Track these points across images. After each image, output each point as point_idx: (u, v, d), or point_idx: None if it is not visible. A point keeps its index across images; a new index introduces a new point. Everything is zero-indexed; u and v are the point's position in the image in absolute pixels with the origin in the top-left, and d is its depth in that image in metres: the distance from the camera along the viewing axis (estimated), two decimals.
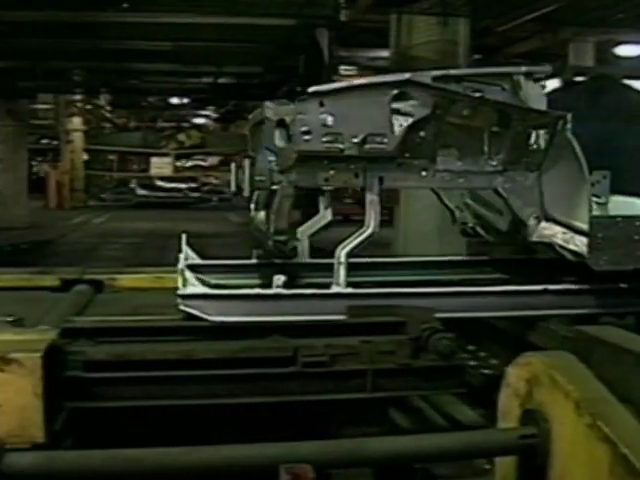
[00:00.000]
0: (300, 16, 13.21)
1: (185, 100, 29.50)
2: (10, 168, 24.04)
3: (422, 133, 4.54)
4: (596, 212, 4.44)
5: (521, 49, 18.37)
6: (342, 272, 4.49)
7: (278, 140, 4.43)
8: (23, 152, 25.46)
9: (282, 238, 4.91)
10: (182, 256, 4.84)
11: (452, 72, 4.67)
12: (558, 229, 4.67)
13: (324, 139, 4.43)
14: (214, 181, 27.67)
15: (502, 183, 4.72)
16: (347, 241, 4.56)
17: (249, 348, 3.81)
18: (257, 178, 4.56)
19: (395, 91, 4.44)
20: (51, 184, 32.73)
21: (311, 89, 4.53)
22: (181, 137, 26.10)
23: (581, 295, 4.70)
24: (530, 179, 4.69)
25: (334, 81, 16.54)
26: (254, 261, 5.25)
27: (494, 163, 4.65)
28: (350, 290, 4.50)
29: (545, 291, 4.64)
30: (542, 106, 4.61)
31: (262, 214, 5.01)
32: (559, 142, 4.55)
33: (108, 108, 36.15)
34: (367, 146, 4.47)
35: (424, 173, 4.66)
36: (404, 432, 4.58)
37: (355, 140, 4.45)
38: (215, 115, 34.20)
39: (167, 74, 21.68)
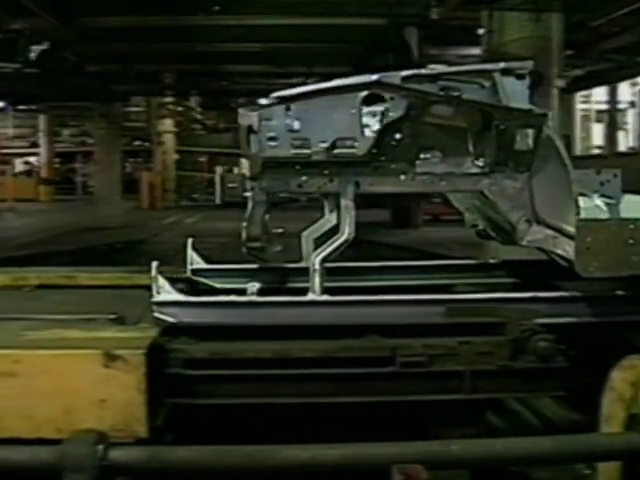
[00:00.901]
0: (390, 15, 13.16)
1: None
2: (104, 170, 24.69)
3: (398, 135, 4.39)
4: (584, 214, 4.20)
5: (614, 44, 17.91)
6: (317, 279, 4.34)
7: (247, 146, 4.35)
8: (117, 154, 26.07)
9: (256, 245, 4.78)
10: (188, 261, 4.87)
11: (423, 71, 4.42)
12: (549, 233, 4.43)
13: (292, 144, 4.34)
14: None
15: (488, 185, 4.49)
16: (322, 248, 4.45)
17: (346, 348, 3.81)
18: (229, 185, 4.55)
19: (364, 93, 4.31)
20: (143, 185, 33.39)
21: (275, 94, 4.44)
22: None
23: (575, 303, 4.35)
24: (519, 181, 4.45)
25: None
26: (257, 265, 5.07)
27: (480, 165, 4.46)
28: (324, 298, 4.33)
29: (534, 298, 4.34)
30: (525, 104, 4.34)
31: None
32: (542, 141, 4.35)
33: (198, 110, 36.73)
34: (336, 151, 4.35)
35: (403, 177, 4.50)
36: (501, 434, 4.51)
37: (323, 145, 4.33)
38: None
39: (257, 75, 21.92)
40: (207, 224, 21.63)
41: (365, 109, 4.30)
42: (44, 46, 16.91)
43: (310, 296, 4.30)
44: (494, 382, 3.88)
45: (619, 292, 4.37)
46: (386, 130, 4.33)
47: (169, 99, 32.61)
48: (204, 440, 3.07)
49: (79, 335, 3.70)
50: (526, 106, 4.31)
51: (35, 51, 17.03)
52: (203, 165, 38.65)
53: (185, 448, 2.96)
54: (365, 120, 4.30)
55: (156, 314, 4.18)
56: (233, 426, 3.95)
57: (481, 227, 5.15)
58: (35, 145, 45.51)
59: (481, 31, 15.03)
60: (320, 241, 4.74)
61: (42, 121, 42.65)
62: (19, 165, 46.26)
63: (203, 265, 5.02)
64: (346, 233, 4.40)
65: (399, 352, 3.79)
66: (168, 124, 35.07)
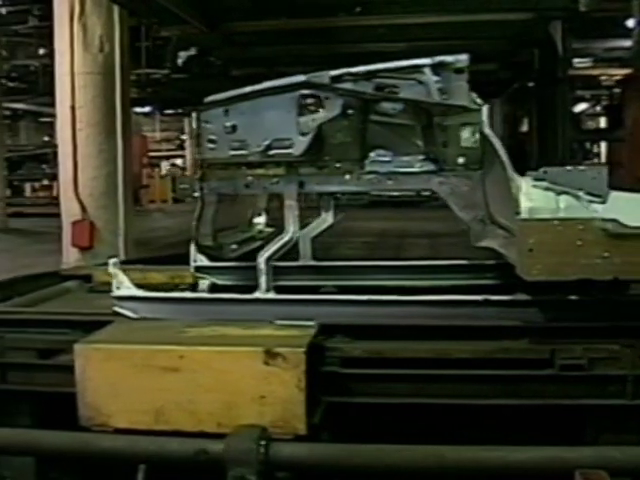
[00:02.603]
0: (537, 9, 12.86)
1: None
2: None
3: (339, 134, 4.33)
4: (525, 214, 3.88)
5: None
6: (263, 278, 4.36)
7: (194, 149, 4.45)
8: None
9: (208, 244, 4.87)
10: (191, 258, 4.89)
11: (352, 70, 4.24)
12: (501, 233, 4.20)
13: (230, 146, 4.40)
14: None
15: (438, 184, 4.32)
16: (267, 247, 4.45)
17: (504, 349, 3.75)
18: (181, 187, 4.56)
19: (297, 94, 4.27)
20: None
21: (211, 97, 4.49)
22: None
23: (529, 307, 4.12)
24: (471, 179, 4.24)
25: (569, 76, 16.04)
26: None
27: (429, 163, 4.31)
28: (270, 296, 4.34)
29: (486, 302, 4.14)
30: (465, 99, 4.11)
31: (261, 218, 4.96)
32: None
33: None
34: (273, 151, 4.35)
35: (348, 176, 4.44)
36: None
37: (260, 146, 4.35)
38: None
39: None
40: (350, 223, 21.69)
41: (300, 109, 4.31)
42: (191, 52, 17.45)
43: (257, 294, 4.37)
44: None
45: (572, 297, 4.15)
46: (325, 130, 4.34)
47: None
48: (360, 439, 3.09)
49: (239, 332, 3.79)
50: (462, 102, 4.13)
51: (182, 57, 17.60)
52: None
53: (346, 446, 2.98)
54: (301, 120, 4.31)
55: (115, 308, 4.38)
56: (392, 425, 3.95)
57: None
58: (181, 147, 46.96)
59: (631, 22, 14.51)
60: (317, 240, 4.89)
61: (187, 124, 44.00)
62: (166, 167, 47.82)
63: (206, 262, 5.02)
64: (290, 232, 4.47)
65: (558, 355, 3.69)
66: None
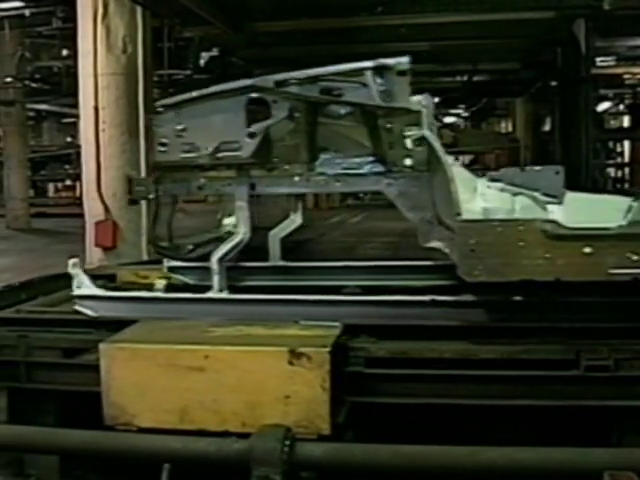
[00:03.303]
0: (560, 8, 12.79)
1: (436, 99, 29.62)
2: None
3: (288, 137, 4.42)
4: (469, 215, 3.95)
5: None
6: (216, 278, 4.47)
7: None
8: None
9: (164, 244, 4.93)
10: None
11: (294, 74, 4.33)
12: (447, 234, 4.20)
13: (181, 149, 4.47)
14: None
15: (386, 186, 4.35)
16: (219, 248, 4.53)
17: (529, 350, 3.72)
18: (137, 188, 4.64)
19: (245, 97, 4.35)
20: None
21: (162, 101, 4.59)
22: None
23: (475, 308, 4.16)
24: (418, 181, 4.26)
25: (592, 75, 15.93)
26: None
27: (377, 164, 4.35)
28: (223, 295, 4.45)
29: (432, 302, 4.18)
30: (407, 101, 4.15)
31: (231, 219, 5.02)
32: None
33: None
34: (221, 154, 4.42)
35: (297, 178, 4.51)
36: None
37: (209, 149, 4.42)
38: (465, 114, 34.06)
39: (421, 74, 21.80)
40: (371, 224, 21.73)
41: (248, 113, 4.38)
42: (213, 52, 17.48)
43: (210, 293, 4.48)
44: None
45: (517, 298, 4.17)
46: (272, 132, 4.42)
47: None
48: (384, 439, 3.08)
49: (264, 332, 3.79)
50: (405, 104, 4.16)
51: (204, 58, 17.63)
52: None
53: (370, 446, 2.97)
54: (248, 123, 4.38)
55: (76, 307, 4.49)
56: (416, 425, 3.94)
57: None
58: None
59: None
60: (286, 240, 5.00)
61: None
62: None
63: (179, 263, 5.13)
64: (241, 233, 4.58)
65: (584, 355, 3.67)
66: None
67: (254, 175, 4.62)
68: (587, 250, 3.78)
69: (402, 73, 4.17)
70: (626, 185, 25.43)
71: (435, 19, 13.49)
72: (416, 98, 4.30)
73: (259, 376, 3.49)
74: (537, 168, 4.43)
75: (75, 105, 12.14)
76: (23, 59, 20.10)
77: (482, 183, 4.32)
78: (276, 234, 5.06)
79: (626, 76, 21.31)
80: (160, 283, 4.82)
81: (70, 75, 17.67)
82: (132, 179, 4.94)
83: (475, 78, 20.74)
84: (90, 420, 3.59)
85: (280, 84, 4.35)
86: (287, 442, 2.87)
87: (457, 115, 36.03)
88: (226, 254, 4.57)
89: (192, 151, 4.54)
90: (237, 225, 4.65)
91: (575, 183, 15.19)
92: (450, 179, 4.02)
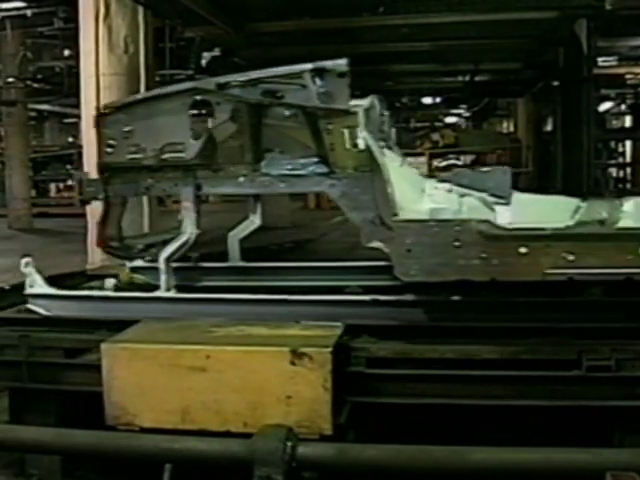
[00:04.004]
0: (562, 8, 12.75)
1: (437, 99, 29.57)
2: None
3: (232, 138, 4.48)
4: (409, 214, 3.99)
5: None
6: (163, 277, 4.53)
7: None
8: None
9: (114, 244, 5.00)
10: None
11: (236, 76, 4.42)
12: (389, 234, 4.14)
13: (127, 150, 4.56)
14: None
15: (329, 186, 4.39)
16: (166, 247, 4.59)
17: (531, 350, 3.72)
18: (87, 189, 4.69)
19: (189, 99, 4.42)
20: None
21: (109, 103, 4.74)
22: (435, 137, 26.16)
23: (416, 307, 4.18)
24: (361, 181, 4.27)
25: (594, 75, 15.91)
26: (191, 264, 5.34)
27: (321, 165, 4.39)
28: (171, 294, 4.50)
29: (375, 302, 4.20)
30: (346, 103, 4.21)
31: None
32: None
33: None
34: (165, 155, 4.48)
35: (242, 179, 4.56)
36: None
37: (154, 150, 4.50)
38: (467, 114, 34.01)
39: (423, 74, 21.78)
40: None
41: (192, 115, 4.46)
42: (215, 52, 17.47)
43: (157, 292, 4.54)
44: None
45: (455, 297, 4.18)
46: (217, 134, 4.49)
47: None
48: (386, 439, 3.08)
49: (265, 333, 3.79)
50: (344, 106, 4.21)
51: (206, 58, 17.62)
52: None
53: (371, 446, 2.96)
54: (193, 125, 4.47)
55: (28, 305, 4.55)
56: (412, 426, 3.94)
57: None
58: None
59: None
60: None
61: None
62: None
63: (142, 263, 5.23)
64: (187, 233, 4.63)
65: (586, 355, 3.67)
66: None
67: (200, 176, 4.67)
68: (523, 250, 3.84)
69: (342, 75, 4.24)
70: (628, 185, 25.39)
71: (437, 19, 13.44)
72: (364, 99, 4.41)
73: (261, 376, 3.50)
74: (485, 169, 4.53)
75: (77, 105, 12.15)
76: (25, 59, 20.09)
77: (430, 184, 4.39)
78: (235, 235, 5.17)
79: (628, 76, 21.27)
80: (110, 282, 4.86)
81: (72, 75, 17.69)
82: (82, 180, 4.97)
83: (477, 78, 20.69)
84: (91, 420, 3.59)
85: (222, 86, 4.44)
86: (289, 442, 2.87)
87: (459, 115, 36.03)
88: (173, 254, 4.64)
89: (138, 152, 4.63)
90: (183, 225, 4.71)
91: (577, 183, 15.20)
92: (386, 180, 4.06)
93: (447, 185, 4.32)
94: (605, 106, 24.86)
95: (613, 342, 3.73)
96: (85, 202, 5.29)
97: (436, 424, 4.00)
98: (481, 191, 4.28)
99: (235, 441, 3.01)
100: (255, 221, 5.14)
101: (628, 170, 26.97)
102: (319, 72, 4.26)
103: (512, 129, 30.66)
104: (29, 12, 17.57)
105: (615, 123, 30.07)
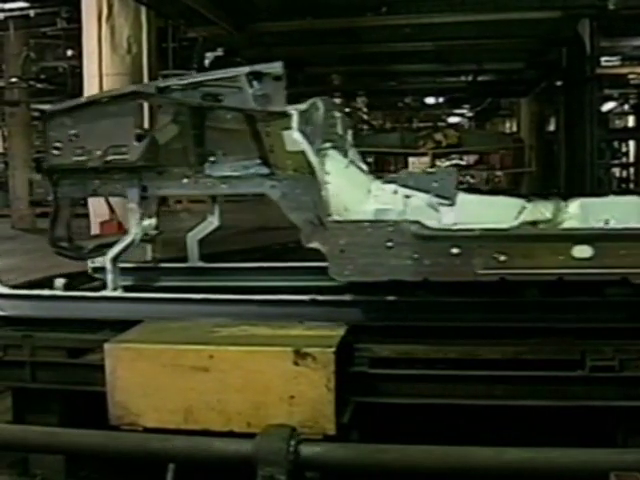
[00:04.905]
0: (565, 8, 12.73)
1: (440, 99, 29.55)
2: None
3: (176, 141, 4.54)
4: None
5: None
6: (110, 277, 4.58)
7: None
8: None
9: (64, 244, 5.05)
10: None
11: (176, 80, 4.52)
12: (326, 234, 4.18)
13: (73, 153, 4.59)
14: (470, 180, 27.48)
15: (270, 188, 4.45)
16: (112, 248, 4.65)
17: (534, 350, 3.72)
18: (38, 191, 4.73)
19: (132, 102, 4.50)
20: None
21: (54, 106, 4.81)
22: (438, 136, 26.06)
23: (354, 307, 4.18)
24: (301, 182, 4.31)
25: (597, 74, 15.91)
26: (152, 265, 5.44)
27: (262, 167, 4.45)
28: (117, 294, 4.54)
29: (313, 301, 4.21)
30: (283, 105, 4.25)
31: (152, 221, 5.12)
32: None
33: (365, 110, 36.95)
34: (109, 158, 4.53)
35: (185, 180, 4.62)
36: None
37: (98, 152, 4.54)
38: (470, 114, 33.98)
39: (425, 74, 21.78)
40: None
41: (135, 117, 4.54)
42: (218, 53, 17.48)
43: (104, 292, 4.59)
44: None
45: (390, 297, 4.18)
46: (160, 136, 4.56)
47: (337, 100, 32.94)
48: (389, 439, 3.08)
49: (269, 333, 3.79)
50: (280, 108, 4.26)
51: (209, 58, 17.63)
52: (370, 165, 38.78)
53: (374, 446, 2.96)
54: (136, 128, 4.54)
55: None
56: (415, 425, 3.94)
57: None
58: None
59: None
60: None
61: None
62: None
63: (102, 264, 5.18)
64: (132, 234, 4.71)
65: (589, 355, 3.66)
66: None
67: (145, 177, 4.73)
68: (455, 251, 3.85)
69: (277, 78, 4.31)
70: (631, 185, 25.36)
71: (440, 19, 13.43)
72: (311, 101, 4.48)
73: (264, 376, 3.50)
74: (431, 170, 4.66)
75: None
76: (28, 59, 20.09)
77: (376, 185, 4.45)
78: (193, 236, 5.21)
79: (631, 76, 21.25)
80: (59, 282, 4.88)
81: (75, 75, 17.69)
82: (32, 182, 5.04)
83: (480, 78, 20.69)
84: (95, 420, 3.59)
85: (162, 90, 4.51)
86: (292, 442, 2.87)
87: (461, 115, 36.01)
88: (119, 254, 4.69)
89: (84, 155, 4.66)
90: (129, 226, 4.78)
91: (580, 183, 15.19)
92: (320, 181, 4.11)
93: (393, 186, 4.39)
94: (608, 106, 24.82)
95: (617, 342, 3.73)
96: (36, 204, 5.41)
97: (440, 424, 4.00)
98: (426, 192, 4.33)
99: (238, 441, 3.01)
100: (213, 222, 5.18)
101: (631, 170, 26.94)
102: (256, 75, 4.32)
103: (515, 129, 30.62)
104: (32, 12, 17.58)
105: (618, 123, 30.04)
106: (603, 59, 18.15)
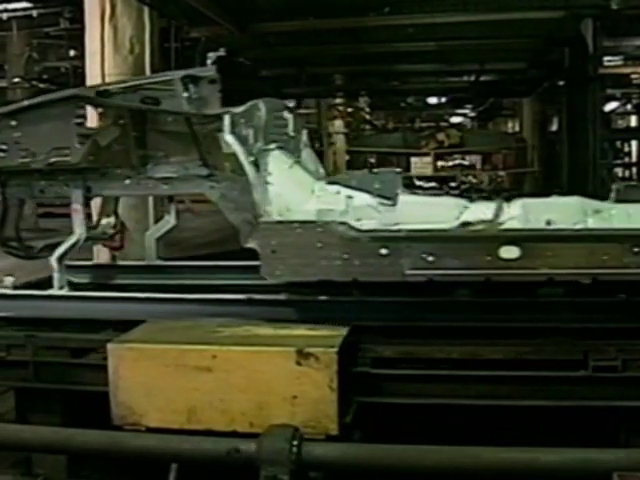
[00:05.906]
0: (567, 7, 12.71)
1: (443, 99, 29.54)
2: None
3: (117, 143, 4.60)
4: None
5: None
6: (56, 275, 4.62)
7: None
8: None
9: (13, 244, 5.13)
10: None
11: (116, 84, 4.68)
12: (258, 235, 4.23)
13: (18, 155, 4.64)
14: (473, 180, 27.46)
15: (209, 188, 4.49)
16: (58, 248, 4.69)
17: (536, 350, 3.72)
18: None
19: (74, 105, 4.54)
20: None
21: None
22: (440, 136, 26.07)
23: (289, 307, 4.21)
24: (239, 183, 4.33)
25: (599, 74, 15.90)
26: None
27: (202, 168, 4.49)
28: (63, 292, 4.59)
29: (250, 300, 4.26)
30: (218, 108, 4.36)
31: (110, 220, 5.36)
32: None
33: (367, 110, 36.96)
34: (52, 159, 4.57)
35: (128, 181, 4.68)
36: None
37: (42, 154, 4.58)
38: (472, 114, 33.95)
39: (428, 74, 21.76)
40: None
41: (77, 120, 4.57)
42: (220, 52, 17.48)
43: (50, 291, 4.63)
44: None
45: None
46: (101, 138, 4.61)
47: (339, 100, 32.94)
48: (392, 439, 3.08)
49: (272, 333, 3.80)
50: (215, 110, 4.34)
51: (211, 58, 17.64)
52: (373, 165, 38.71)
53: (377, 446, 2.96)
54: (77, 130, 4.56)
55: None
56: (418, 425, 3.94)
57: None
58: None
59: None
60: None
61: None
62: None
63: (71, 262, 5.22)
64: (77, 234, 4.77)
65: (592, 355, 3.66)
66: (338, 125, 35.30)
67: (89, 178, 4.79)
68: (383, 251, 3.89)
69: (212, 81, 4.45)
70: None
71: (442, 19, 13.41)
72: (251, 102, 4.56)
73: (267, 376, 3.50)
74: (375, 170, 4.67)
75: None
76: (30, 59, 20.13)
77: (319, 185, 4.49)
78: (151, 234, 5.32)
79: (634, 76, 21.22)
80: (8, 280, 4.93)
81: (77, 75, 17.70)
82: None
83: (482, 78, 20.66)
84: (98, 420, 3.59)
85: (101, 93, 4.63)
86: (295, 442, 2.87)
87: (464, 115, 35.99)
88: (65, 254, 4.73)
89: (28, 157, 4.71)
90: (73, 226, 4.82)
91: (583, 183, 15.17)
92: (251, 183, 4.20)
93: (336, 187, 4.42)
94: (611, 106, 24.80)
95: (619, 342, 3.73)
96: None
97: (443, 424, 4.00)
98: (369, 192, 4.36)
99: (241, 441, 3.01)
100: (170, 221, 5.28)
101: (634, 169, 26.91)
102: (191, 79, 4.45)
103: (517, 129, 30.59)
104: (35, 12, 17.61)
105: (621, 123, 30.01)
106: (606, 59, 18.12)
